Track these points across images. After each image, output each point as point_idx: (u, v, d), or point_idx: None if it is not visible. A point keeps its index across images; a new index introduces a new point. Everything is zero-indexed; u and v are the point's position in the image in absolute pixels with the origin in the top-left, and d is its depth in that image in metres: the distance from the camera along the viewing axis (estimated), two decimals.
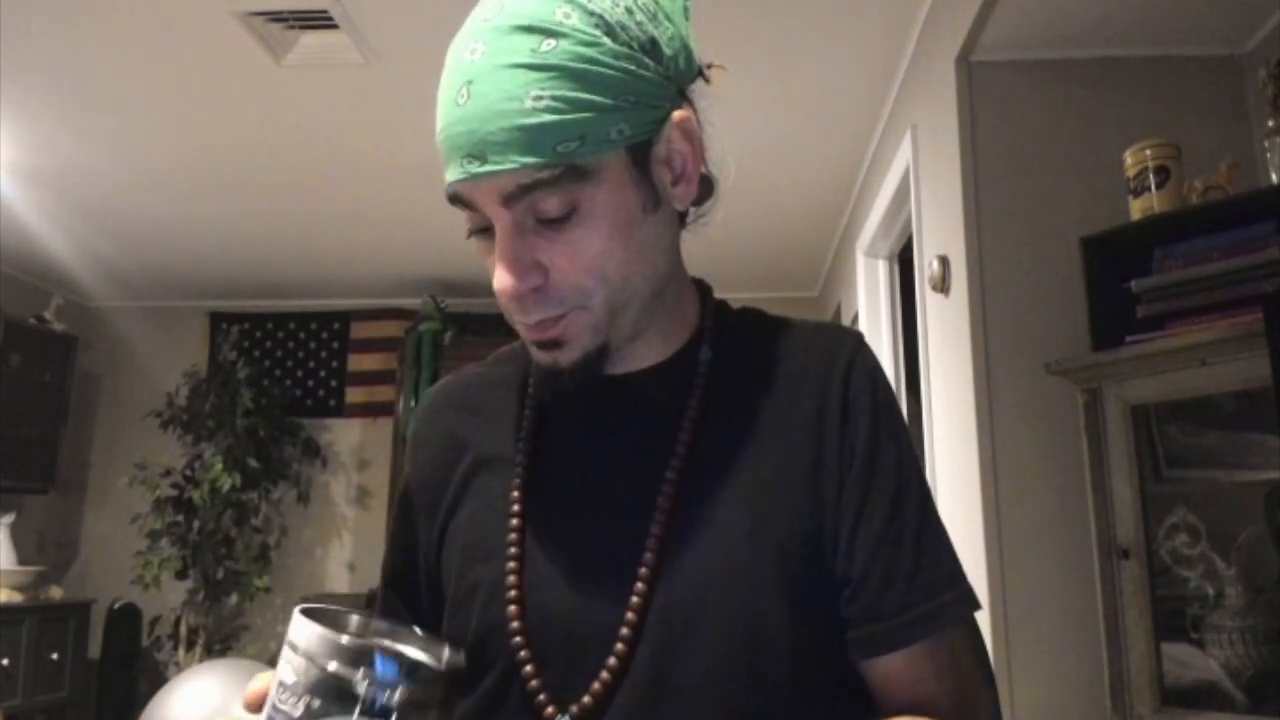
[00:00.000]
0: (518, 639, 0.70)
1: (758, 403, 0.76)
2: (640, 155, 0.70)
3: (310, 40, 2.95)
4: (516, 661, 0.70)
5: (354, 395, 5.57)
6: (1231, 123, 2.26)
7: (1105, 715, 1.85)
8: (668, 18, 0.73)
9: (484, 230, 0.70)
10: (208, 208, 4.33)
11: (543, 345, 0.71)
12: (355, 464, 5.55)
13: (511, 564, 0.72)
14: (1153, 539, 1.84)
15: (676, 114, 0.73)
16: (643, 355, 0.77)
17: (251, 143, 3.65)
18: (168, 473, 5.00)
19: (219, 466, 4.93)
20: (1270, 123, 1.90)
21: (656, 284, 0.74)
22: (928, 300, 2.74)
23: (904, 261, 3.72)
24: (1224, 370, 1.75)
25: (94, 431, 5.63)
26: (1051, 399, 2.12)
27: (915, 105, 2.88)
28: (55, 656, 4.54)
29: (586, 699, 0.67)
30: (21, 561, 4.66)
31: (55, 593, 4.78)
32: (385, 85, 3.16)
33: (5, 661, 4.22)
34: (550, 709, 0.68)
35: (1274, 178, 1.88)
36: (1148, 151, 1.95)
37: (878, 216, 3.48)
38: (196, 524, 4.92)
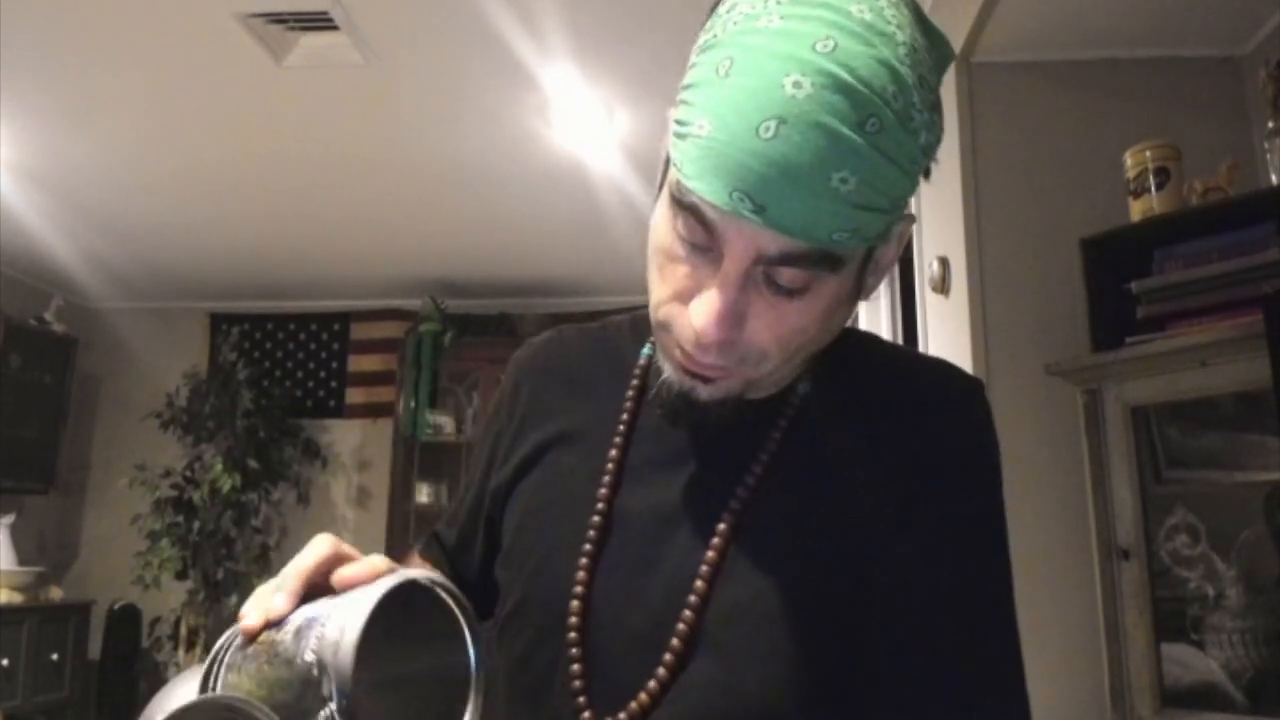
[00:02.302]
0: (572, 635, 0.69)
1: (845, 444, 0.72)
2: (871, 252, 0.66)
3: (310, 41, 2.95)
4: (566, 658, 0.69)
5: (354, 396, 5.57)
6: (1231, 124, 2.26)
7: (1105, 716, 1.85)
8: (939, 128, 0.67)
9: (697, 247, 0.63)
10: (208, 209, 4.33)
11: (690, 374, 0.67)
12: (355, 465, 5.54)
13: (584, 560, 0.72)
14: (1153, 540, 1.84)
15: (909, 214, 0.68)
16: None
17: (252, 144, 3.64)
18: (168, 473, 5.00)
19: (219, 467, 4.93)
20: (1270, 124, 1.90)
21: (809, 357, 0.71)
22: (928, 301, 2.73)
23: (904, 262, 3.72)
24: (1224, 371, 1.75)
25: (94, 432, 5.63)
26: (1051, 400, 2.12)
27: None
28: (55, 657, 4.54)
29: (623, 715, 0.66)
30: (21, 562, 4.65)
31: (55, 593, 4.78)
32: (385, 86, 3.16)
33: (5, 662, 4.22)
34: (588, 714, 0.68)
35: (1274, 179, 1.88)
36: (1148, 152, 1.95)
37: None
38: (196, 525, 4.92)
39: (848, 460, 0.71)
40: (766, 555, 0.68)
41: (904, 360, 0.79)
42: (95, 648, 4.86)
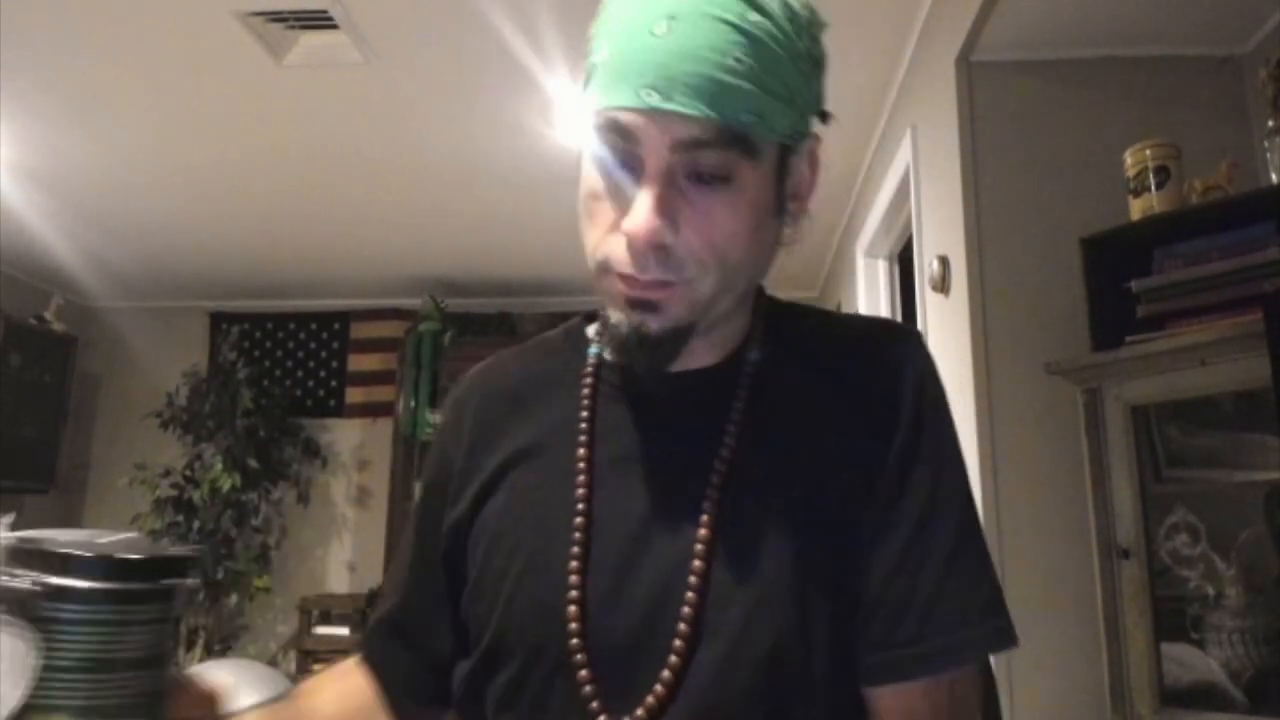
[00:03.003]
0: (574, 641, 0.68)
1: (805, 408, 0.74)
2: (784, 159, 0.71)
3: (310, 40, 2.95)
4: (570, 666, 0.68)
5: (354, 395, 5.57)
6: (1231, 122, 2.26)
7: (1105, 715, 1.85)
8: (823, 47, 0.74)
9: (619, 170, 0.68)
10: (207, 208, 4.33)
11: (637, 305, 0.69)
12: (355, 464, 5.55)
13: (574, 564, 0.70)
14: (1153, 539, 1.84)
15: (816, 133, 0.75)
16: (698, 355, 0.75)
17: (251, 143, 3.64)
18: (167, 473, 5.00)
19: (219, 467, 4.93)
20: (1270, 122, 1.90)
21: (752, 284, 0.75)
22: (928, 300, 2.74)
23: (904, 261, 3.72)
24: (1224, 370, 1.75)
25: (94, 432, 5.63)
26: (1051, 399, 2.12)
27: (915, 105, 2.88)
28: None
29: (640, 711, 0.66)
30: None
31: None
32: (385, 85, 3.15)
33: None
34: (604, 718, 0.67)
35: (1274, 178, 1.88)
36: (1148, 151, 1.95)
37: (878, 216, 3.48)
38: (196, 524, 4.92)
39: (811, 421, 0.73)
40: (753, 529, 0.69)
41: (843, 321, 0.82)
42: None
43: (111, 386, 5.68)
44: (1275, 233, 1.76)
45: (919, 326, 2.82)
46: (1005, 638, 0.69)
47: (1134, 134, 2.02)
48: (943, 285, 2.52)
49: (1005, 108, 2.35)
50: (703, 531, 0.69)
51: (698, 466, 0.72)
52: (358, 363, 5.61)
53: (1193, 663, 1.81)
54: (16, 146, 3.63)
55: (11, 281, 5.06)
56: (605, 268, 0.69)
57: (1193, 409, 1.89)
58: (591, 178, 0.70)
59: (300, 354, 5.66)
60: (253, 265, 5.14)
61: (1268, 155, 1.91)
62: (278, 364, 5.63)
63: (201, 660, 4.73)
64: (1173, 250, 1.89)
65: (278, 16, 2.80)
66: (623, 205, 0.67)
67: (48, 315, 5.20)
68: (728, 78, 0.63)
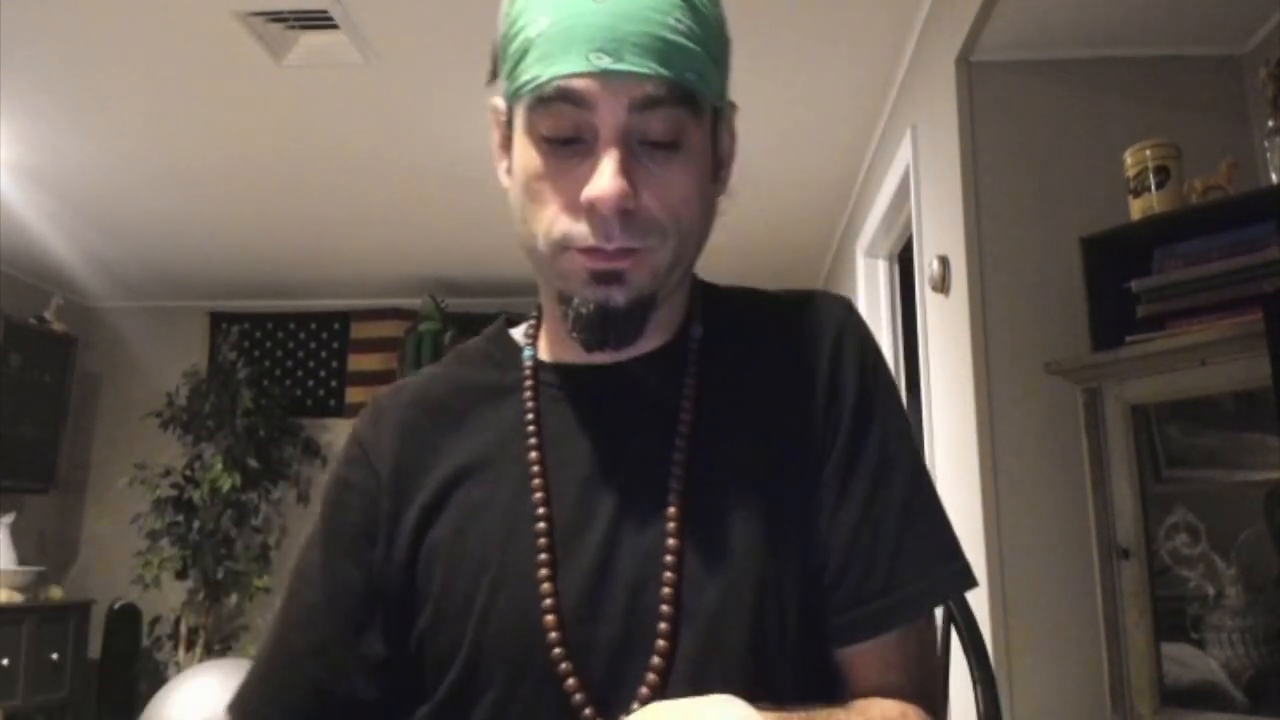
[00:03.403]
0: (558, 650, 0.67)
1: (752, 380, 0.76)
2: (716, 123, 0.73)
3: (310, 40, 2.95)
4: (558, 675, 0.66)
5: (354, 395, 5.57)
6: (1231, 122, 2.26)
7: (1105, 715, 1.85)
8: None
9: (565, 141, 0.67)
10: (207, 208, 4.33)
11: (601, 277, 0.68)
12: None
13: (544, 572, 0.69)
14: (1153, 539, 1.84)
15: (733, 105, 0.76)
16: (644, 337, 0.74)
17: (251, 143, 3.64)
18: (167, 473, 5.00)
19: (219, 466, 4.93)
20: (1270, 122, 1.90)
21: (698, 254, 0.75)
22: (928, 300, 2.74)
23: (904, 261, 3.72)
24: (1224, 370, 1.75)
25: (94, 431, 5.63)
26: (1051, 399, 2.12)
27: (915, 105, 2.88)
28: (55, 657, 4.54)
29: (635, 705, 0.65)
30: (21, 561, 4.65)
31: (55, 593, 4.78)
32: (385, 85, 3.15)
33: (5, 661, 4.22)
34: None
35: (1274, 177, 1.88)
36: (1148, 151, 1.95)
37: (878, 216, 3.48)
38: (196, 524, 4.92)
39: (760, 394, 0.75)
40: (719, 507, 0.70)
41: (774, 296, 0.82)
42: (95, 647, 4.86)
43: (111, 386, 5.68)
44: (1275, 232, 1.76)
45: (919, 327, 2.82)
46: (968, 579, 0.72)
47: (1134, 134, 2.02)
48: (943, 285, 2.52)
49: (1005, 108, 2.35)
50: (671, 525, 0.69)
51: (656, 452, 0.72)
52: (358, 362, 5.61)
53: (1193, 662, 1.81)
54: (16, 146, 3.63)
55: (11, 281, 5.06)
56: (563, 246, 0.68)
57: (1193, 409, 1.89)
58: (531, 158, 0.69)
59: (300, 354, 5.66)
60: (253, 265, 5.14)
61: (1268, 155, 1.91)
62: (278, 364, 5.63)
63: (201, 660, 4.73)
64: (1173, 250, 1.89)
65: (277, 17, 2.80)
66: (578, 178, 0.66)
67: (47, 315, 5.20)
68: (673, 37, 0.65)
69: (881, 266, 3.87)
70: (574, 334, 0.71)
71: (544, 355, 0.80)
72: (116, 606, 4.96)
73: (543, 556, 0.70)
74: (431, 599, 0.72)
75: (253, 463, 5.02)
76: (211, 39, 2.87)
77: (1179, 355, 1.79)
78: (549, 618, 0.68)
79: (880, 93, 3.22)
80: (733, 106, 0.76)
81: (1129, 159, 1.98)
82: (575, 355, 0.76)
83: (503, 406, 0.78)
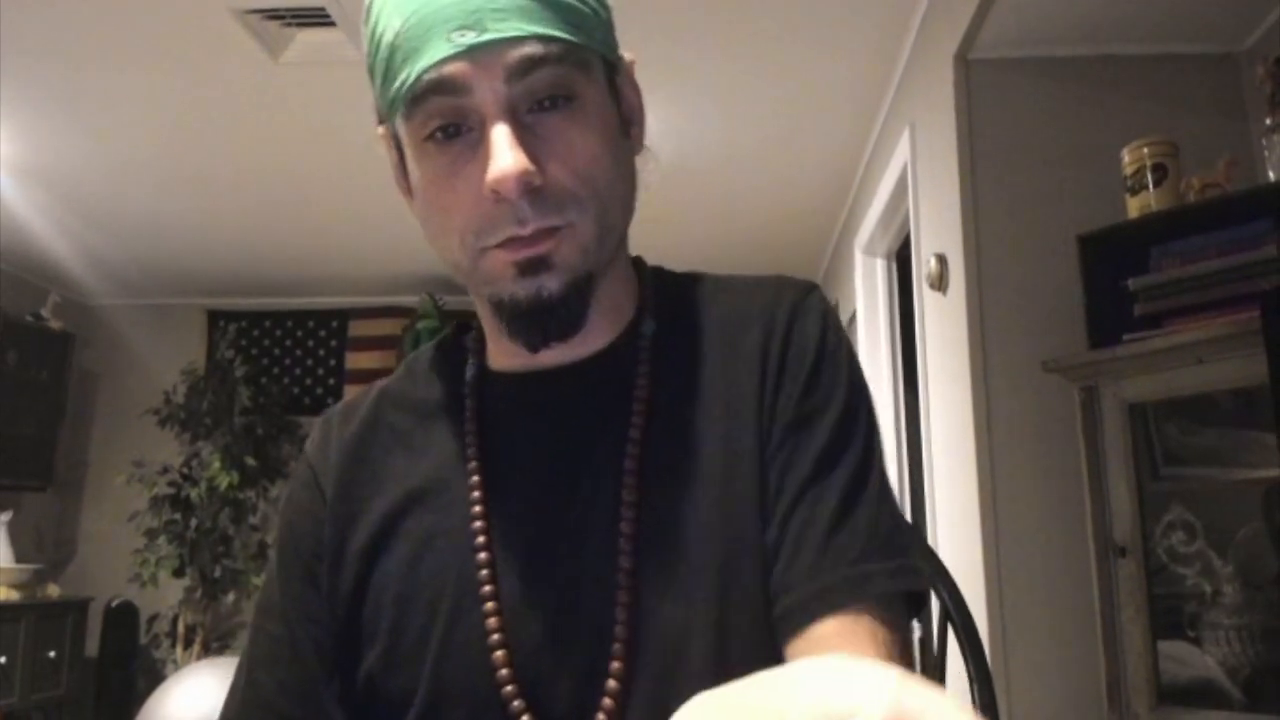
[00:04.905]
0: (509, 688, 0.63)
1: (707, 376, 0.70)
2: (611, 76, 0.68)
3: (307, 38, 2.95)
4: (512, 712, 0.63)
5: (352, 393, 5.56)
6: (1229, 120, 2.26)
7: (1102, 713, 1.85)
8: None
9: (449, 130, 0.63)
10: (205, 205, 4.33)
11: (529, 267, 0.63)
12: None
13: (489, 605, 0.65)
14: (1149, 537, 1.84)
15: (626, 55, 0.71)
16: (592, 333, 0.70)
17: (249, 140, 3.64)
18: (165, 470, 5.00)
19: (216, 464, 4.92)
20: (1268, 120, 1.90)
21: (626, 222, 0.70)
22: (925, 298, 2.73)
23: (902, 260, 3.72)
24: (1221, 368, 1.75)
25: (91, 429, 5.63)
26: (1048, 397, 2.12)
27: (913, 103, 2.88)
28: (53, 655, 4.54)
29: None
30: (19, 559, 4.65)
31: (53, 591, 4.77)
32: None
33: (3, 660, 4.22)
34: None
35: (1271, 175, 1.88)
36: (1145, 149, 1.95)
37: (876, 214, 3.48)
38: (194, 522, 4.92)
39: (715, 387, 0.70)
40: (675, 521, 0.65)
41: (732, 283, 0.76)
42: (93, 645, 4.86)
43: (109, 384, 5.67)
44: (1273, 230, 1.76)
45: (917, 325, 2.82)
46: (907, 577, 0.64)
47: (1132, 131, 2.01)
48: (940, 283, 2.52)
49: (1003, 105, 2.35)
50: (624, 541, 0.64)
51: (608, 462, 0.67)
52: (355, 360, 5.61)
53: (1190, 660, 1.81)
54: (13, 143, 3.63)
55: (9, 279, 5.05)
56: (481, 248, 0.64)
57: (1190, 407, 1.89)
58: (425, 167, 0.65)
59: (298, 352, 5.66)
60: (250, 262, 5.13)
61: (1265, 153, 1.91)
62: (275, 362, 5.62)
63: (199, 658, 4.73)
64: (1170, 248, 1.89)
65: (274, 14, 2.80)
66: (475, 172, 0.62)
67: (45, 313, 5.19)
68: (530, 1, 0.60)
69: (880, 265, 3.87)
70: (513, 337, 0.67)
71: (492, 363, 0.75)
72: (114, 604, 4.95)
73: (487, 589, 0.65)
74: (383, 635, 0.67)
75: (250, 461, 5.02)
76: (208, 36, 2.86)
77: (1176, 353, 1.79)
78: (499, 654, 0.64)
79: (878, 91, 3.22)
80: (630, 59, 0.71)
81: (1126, 157, 1.98)
82: (523, 360, 0.70)
83: (449, 424, 0.73)
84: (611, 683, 0.62)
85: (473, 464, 0.70)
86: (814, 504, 0.64)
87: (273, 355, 5.64)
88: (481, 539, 0.67)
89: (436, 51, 0.60)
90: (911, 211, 2.86)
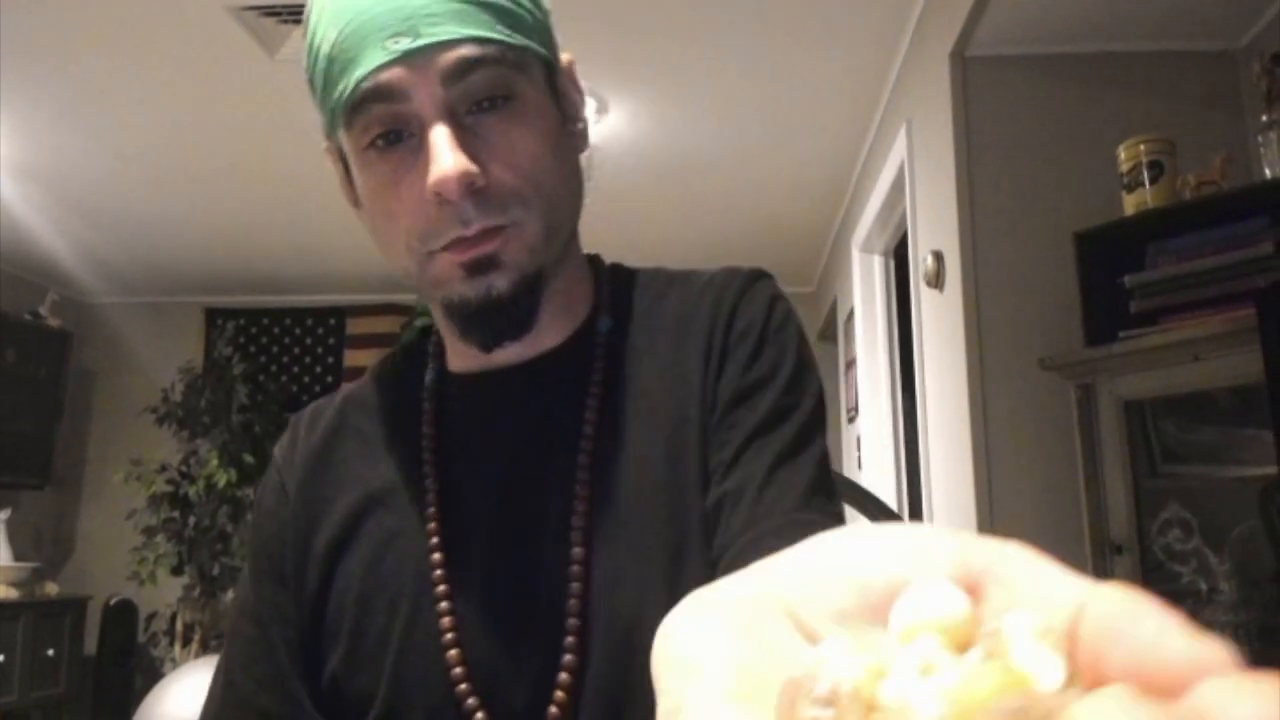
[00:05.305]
0: (463, 686, 0.63)
1: (659, 366, 0.71)
2: (551, 77, 0.68)
3: (303, 34, 2.94)
4: (467, 709, 0.63)
5: None
6: (1226, 117, 2.26)
7: None
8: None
9: (389, 137, 0.63)
10: (203, 203, 4.32)
11: (476, 268, 0.63)
12: None
13: (443, 605, 0.65)
14: (1146, 534, 1.84)
15: (565, 55, 0.71)
16: (546, 332, 0.70)
17: (246, 137, 3.64)
18: (163, 468, 4.99)
19: (215, 462, 4.92)
20: (1264, 117, 1.90)
21: (574, 220, 0.71)
22: (923, 295, 2.74)
23: (899, 257, 3.72)
24: (1217, 365, 1.75)
25: (89, 427, 5.62)
26: (1045, 394, 2.12)
27: (910, 100, 2.88)
28: (51, 653, 4.54)
29: None
30: (17, 558, 4.65)
31: (51, 589, 4.77)
32: None
33: (1, 658, 4.22)
34: None
35: (1268, 172, 1.88)
36: (1142, 146, 1.95)
37: (873, 212, 3.48)
38: (192, 520, 4.91)
39: (668, 381, 0.70)
40: (629, 512, 0.66)
41: (688, 277, 0.76)
42: (91, 643, 4.86)
43: (107, 382, 5.67)
44: (1268, 228, 1.76)
45: (914, 322, 2.82)
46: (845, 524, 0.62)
47: (1128, 129, 2.02)
48: (937, 280, 2.52)
49: (999, 102, 2.35)
50: (577, 533, 0.65)
51: (563, 459, 0.68)
52: (354, 358, 5.60)
53: None
54: (11, 142, 3.62)
55: (7, 277, 5.04)
56: (428, 251, 0.64)
57: (1187, 404, 1.89)
58: (369, 175, 0.65)
59: (296, 349, 5.66)
60: (248, 260, 5.13)
61: (1261, 150, 1.91)
62: (273, 359, 5.62)
63: (197, 656, 4.73)
64: (1166, 245, 1.89)
65: (270, 10, 2.80)
66: (418, 177, 0.62)
67: (43, 311, 5.19)
68: (461, 4, 0.61)
69: (877, 262, 3.87)
70: (466, 338, 0.67)
71: (451, 366, 0.76)
72: (112, 602, 4.95)
73: (440, 589, 0.66)
74: (344, 636, 0.68)
75: (248, 458, 5.02)
76: (205, 33, 2.86)
77: (1172, 350, 1.80)
78: (452, 653, 0.64)
79: (875, 88, 3.22)
80: (569, 57, 0.72)
81: (1123, 154, 1.98)
82: (479, 361, 0.71)
83: (410, 428, 0.73)
84: (564, 675, 0.62)
85: (427, 466, 0.70)
86: (750, 463, 0.64)
87: (270, 353, 5.64)
88: (435, 540, 0.67)
89: (372, 59, 0.60)
90: (909, 209, 2.86)
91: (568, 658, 0.63)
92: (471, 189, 0.61)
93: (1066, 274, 2.03)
